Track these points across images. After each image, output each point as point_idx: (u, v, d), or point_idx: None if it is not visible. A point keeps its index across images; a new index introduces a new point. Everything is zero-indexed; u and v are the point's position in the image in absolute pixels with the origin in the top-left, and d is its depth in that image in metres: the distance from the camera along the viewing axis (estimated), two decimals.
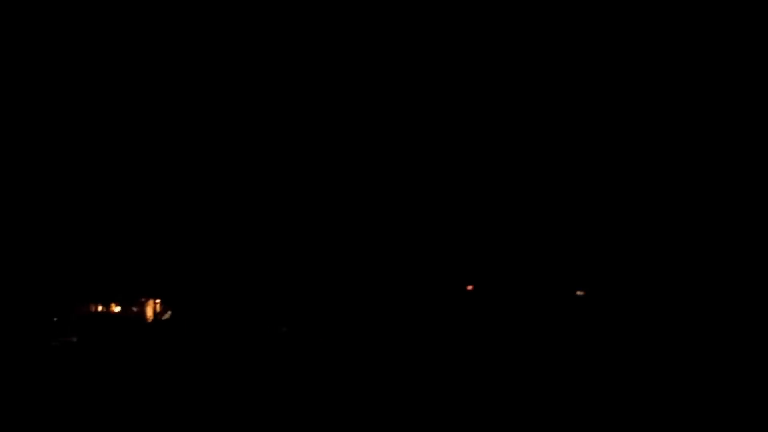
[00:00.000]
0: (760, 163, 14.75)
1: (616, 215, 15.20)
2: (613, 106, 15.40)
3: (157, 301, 15.83)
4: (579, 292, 15.03)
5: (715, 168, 14.97)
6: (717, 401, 11.91)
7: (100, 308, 15.71)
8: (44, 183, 15.66)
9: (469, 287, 15.65)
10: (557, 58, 15.42)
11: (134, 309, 15.77)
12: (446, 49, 15.60)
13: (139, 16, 15.62)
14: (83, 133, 15.84)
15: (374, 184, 15.86)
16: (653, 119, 15.31)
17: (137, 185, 15.81)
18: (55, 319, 15.26)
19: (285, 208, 16.00)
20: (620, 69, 15.31)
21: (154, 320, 15.75)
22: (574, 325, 14.62)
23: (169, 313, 15.76)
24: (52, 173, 15.70)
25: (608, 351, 13.84)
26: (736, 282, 14.52)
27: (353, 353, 14.54)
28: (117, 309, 15.74)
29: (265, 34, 15.78)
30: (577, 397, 12.37)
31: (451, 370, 13.66)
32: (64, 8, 15.48)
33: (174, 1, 15.63)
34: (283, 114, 16.03)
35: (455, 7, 15.46)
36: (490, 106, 15.65)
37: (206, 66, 15.88)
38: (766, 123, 14.84)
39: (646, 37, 15.11)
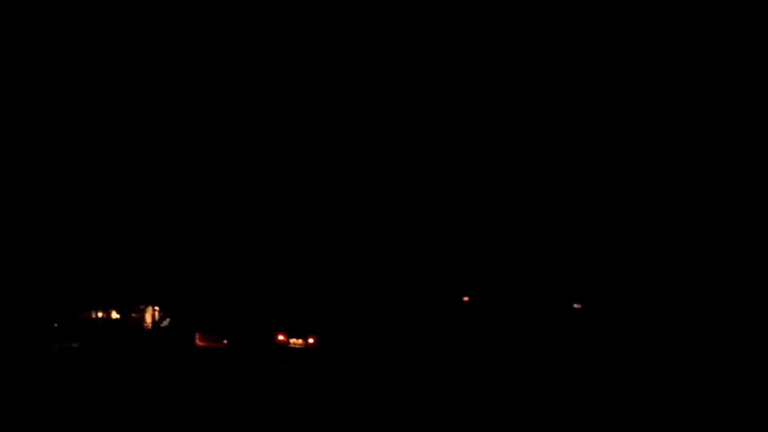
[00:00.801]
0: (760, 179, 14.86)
1: (613, 229, 15.31)
2: (605, 126, 15.51)
3: (156, 308, 15.87)
4: (576, 305, 15.14)
5: (712, 183, 15.09)
6: (714, 412, 12.08)
7: (100, 315, 15.72)
8: (46, 190, 15.65)
9: (465, 298, 15.70)
10: (556, 64, 15.47)
11: (133, 315, 15.80)
12: (444, 52, 15.64)
13: (139, 16, 15.60)
14: (86, 144, 15.85)
15: (370, 196, 15.91)
16: (648, 134, 15.42)
17: (140, 193, 15.84)
18: (56, 324, 15.25)
19: (282, 216, 16.04)
20: (617, 81, 15.40)
21: (153, 327, 15.80)
22: (570, 338, 14.73)
23: (168, 320, 15.80)
24: (55, 182, 15.69)
25: (605, 362, 13.96)
26: (733, 293, 14.66)
27: (351, 362, 14.61)
28: (116, 315, 15.77)
29: (265, 34, 15.77)
30: (574, 406, 12.50)
31: (447, 379, 13.75)
32: (64, 8, 15.44)
33: (174, 2, 15.62)
34: (278, 131, 16.08)
35: (455, 7, 15.47)
36: (484, 121, 15.71)
37: (192, 75, 15.88)
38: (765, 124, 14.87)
39: (647, 37, 15.13)
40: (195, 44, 15.73)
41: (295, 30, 15.76)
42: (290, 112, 15.95)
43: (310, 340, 15.31)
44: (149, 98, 15.87)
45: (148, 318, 15.85)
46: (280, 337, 15.39)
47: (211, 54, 15.79)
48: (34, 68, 15.54)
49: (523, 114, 15.56)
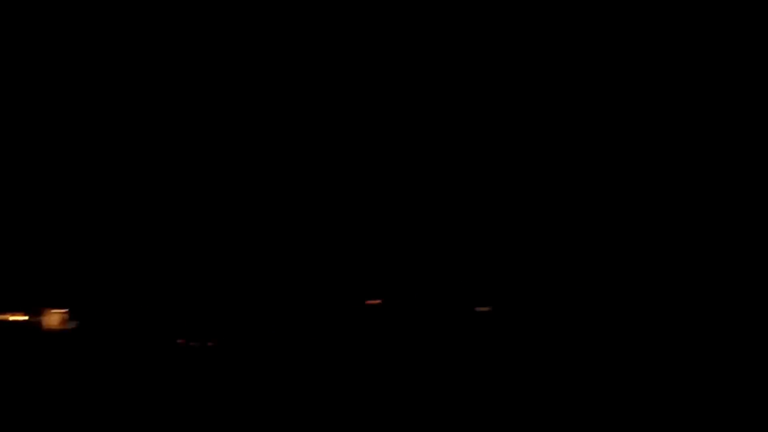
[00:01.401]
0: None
1: (520, 228, 15.46)
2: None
3: (64, 310, 15.79)
4: (482, 308, 15.25)
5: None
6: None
7: (2, 318, 15.61)
8: None
9: (372, 302, 15.79)
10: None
11: (39, 319, 15.70)
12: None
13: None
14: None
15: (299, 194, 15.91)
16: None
17: (53, 192, 15.74)
18: None
19: (208, 204, 16.01)
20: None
21: (60, 331, 15.71)
22: (476, 342, 14.87)
23: (75, 323, 15.73)
24: None
25: (515, 367, 14.12)
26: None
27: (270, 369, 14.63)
28: (22, 318, 15.66)
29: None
30: (488, 416, 12.67)
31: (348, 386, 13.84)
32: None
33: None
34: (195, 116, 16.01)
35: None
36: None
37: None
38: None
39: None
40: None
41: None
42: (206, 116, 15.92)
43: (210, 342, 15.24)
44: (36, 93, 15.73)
45: (54, 321, 15.75)
46: (180, 340, 15.28)
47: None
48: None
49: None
